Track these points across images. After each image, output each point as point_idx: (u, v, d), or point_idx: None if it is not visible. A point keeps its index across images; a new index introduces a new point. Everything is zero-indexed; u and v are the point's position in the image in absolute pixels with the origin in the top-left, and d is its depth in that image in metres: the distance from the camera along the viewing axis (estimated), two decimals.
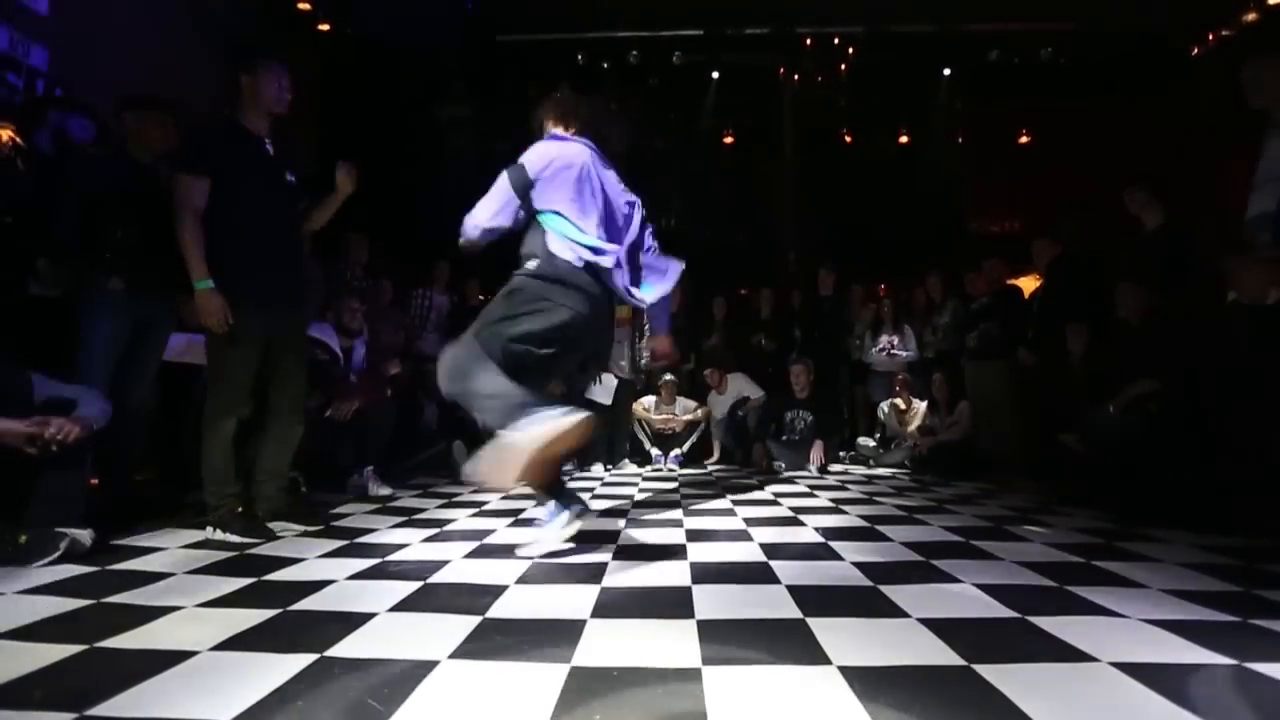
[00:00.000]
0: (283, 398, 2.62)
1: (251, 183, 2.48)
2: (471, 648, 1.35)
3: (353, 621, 1.50)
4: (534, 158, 2.27)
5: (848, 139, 7.95)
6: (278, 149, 2.57)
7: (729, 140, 8.08)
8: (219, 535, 2.38)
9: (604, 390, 5.09)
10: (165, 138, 2.77)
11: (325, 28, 6.19)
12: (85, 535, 2.04)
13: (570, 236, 2.19)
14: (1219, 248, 2.83)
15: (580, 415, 1.97)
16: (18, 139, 2.80)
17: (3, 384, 2.10)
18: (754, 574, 1.94)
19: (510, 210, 2.25)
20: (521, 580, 1.87)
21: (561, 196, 2.23)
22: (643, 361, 5.15)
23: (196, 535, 2.41)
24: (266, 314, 2.49)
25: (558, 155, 2.28)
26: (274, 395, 2.59)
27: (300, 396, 2.72)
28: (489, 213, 2.25)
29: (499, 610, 1.60)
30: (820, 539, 2.42)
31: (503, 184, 2.25)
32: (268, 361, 2.54)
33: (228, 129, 2.50)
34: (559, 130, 2.41)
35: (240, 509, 2.46)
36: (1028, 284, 5.03)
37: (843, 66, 7.28)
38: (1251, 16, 5.91)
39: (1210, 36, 6.30)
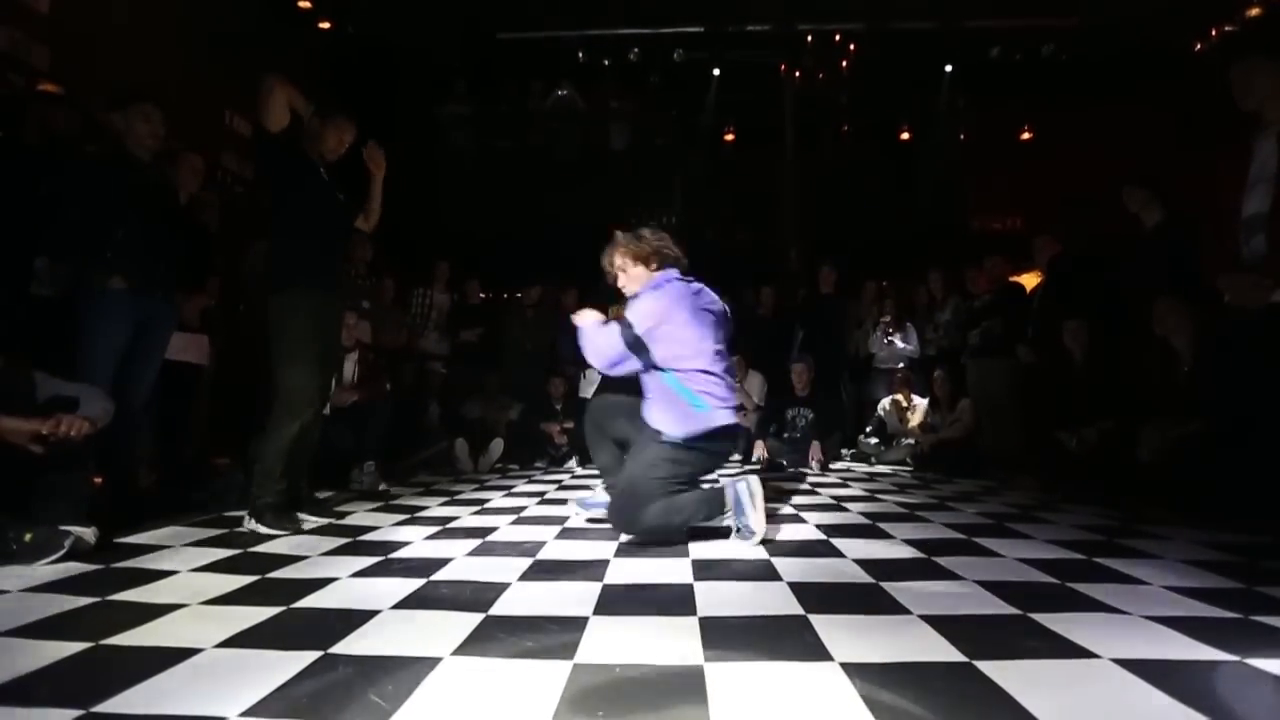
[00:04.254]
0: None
1: (308, 199, 2.64)
2: (475, 645, 1.36)
3: (356, 619, 1.51)
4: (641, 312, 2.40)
5: (849, 136, 7.93)
6: (330, 173, 2.73)
7: (730, 138, 8.07)
8: (253, 525, 2.45)
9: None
10: (153, 132, 2.76)
11: (326, 26, 6.19)
12: (89, 533, 2.05)
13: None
14: (1217, 249, 2.85)
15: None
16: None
17: (7, 383, 2.11)
18: (756, 571, 1.94)
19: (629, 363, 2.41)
20: (524, 577, 1.88)
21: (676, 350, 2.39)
22: None
23: (201, 533, 2.43)
24: (326, 316, 2.66)
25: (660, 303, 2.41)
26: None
27: (326, 399, 2.85)
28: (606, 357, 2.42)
29: (502, 607, 1.61)
30: (822, 536, 2.42)
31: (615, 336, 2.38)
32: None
33: (291, 145, 2.63)
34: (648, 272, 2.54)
35: (276, 502, 2.53)
36: (1029, 281, 5.02)
37: (844, 63, 7.26)
38: (1255, 12, 5.88)
39: (1213, 32, 6.27)
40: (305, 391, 2.58)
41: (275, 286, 2.61)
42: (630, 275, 2.54)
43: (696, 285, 2.52)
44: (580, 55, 7.18)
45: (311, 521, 2.64)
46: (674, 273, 2.52)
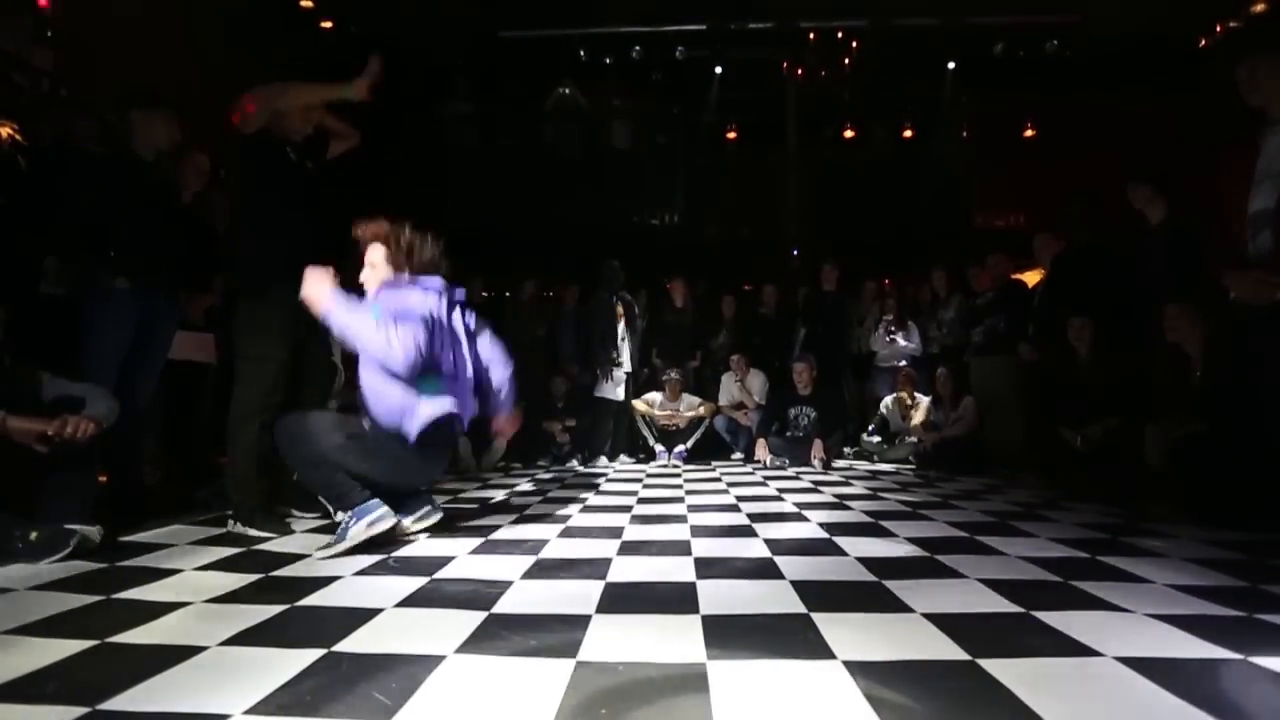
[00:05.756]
0: (309, 396, 2.70)
1: (276, 185, 2.58)
2: (477, 643, 1.36)
3: (359, 617, 1.51)
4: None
5: (851, 134, 7.92)
6: (296, 148, 2.66)
7: (732, 136, 8.06)
8: (239, 529, 2.43)
9: (614, 386, 5.14)
10: (171, 136, 2.77)
11: (328, 25, 6.19)
12: (94, 532, 2.06)
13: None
14: (1222, 246, 2.84)
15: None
16: (19, 136, 2.81)
17: (14, 383, 2.12)
18: (758, 569, 1.94)
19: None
20: (527, 576, 1.88)
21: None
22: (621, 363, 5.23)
23: (205, 532, 2.44)
24: (296, 315, 2.54)
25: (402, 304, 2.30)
26: (301, 393, 2.66)
27: (326, 394, 2.82)
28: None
29: (505, 606, 1.61)
30: (824, 534, 2.42)
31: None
32: (297, 360, 2.62)
33: (262, 143, 2.57)
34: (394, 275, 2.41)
35: (261, 504, 2.52)
36: (1032, 278, 5.01)
37: (846, 61, 7.24)
38: (1260, 7, 5.85)
39: (1218, 28, 6.24)
40: (265, 393, 2.54)
41: (245, 289, 2.57)
42: (376, 271, 2.42)
43: (454, 297, 2.47)
44: (582, 53, 7.18)
45: (311, 519, 2.66)
46: (436, 281, 2.44)
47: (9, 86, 3.43)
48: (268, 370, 2.53)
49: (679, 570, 1.93)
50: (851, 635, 1.38)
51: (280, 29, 5.77)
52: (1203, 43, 6.35)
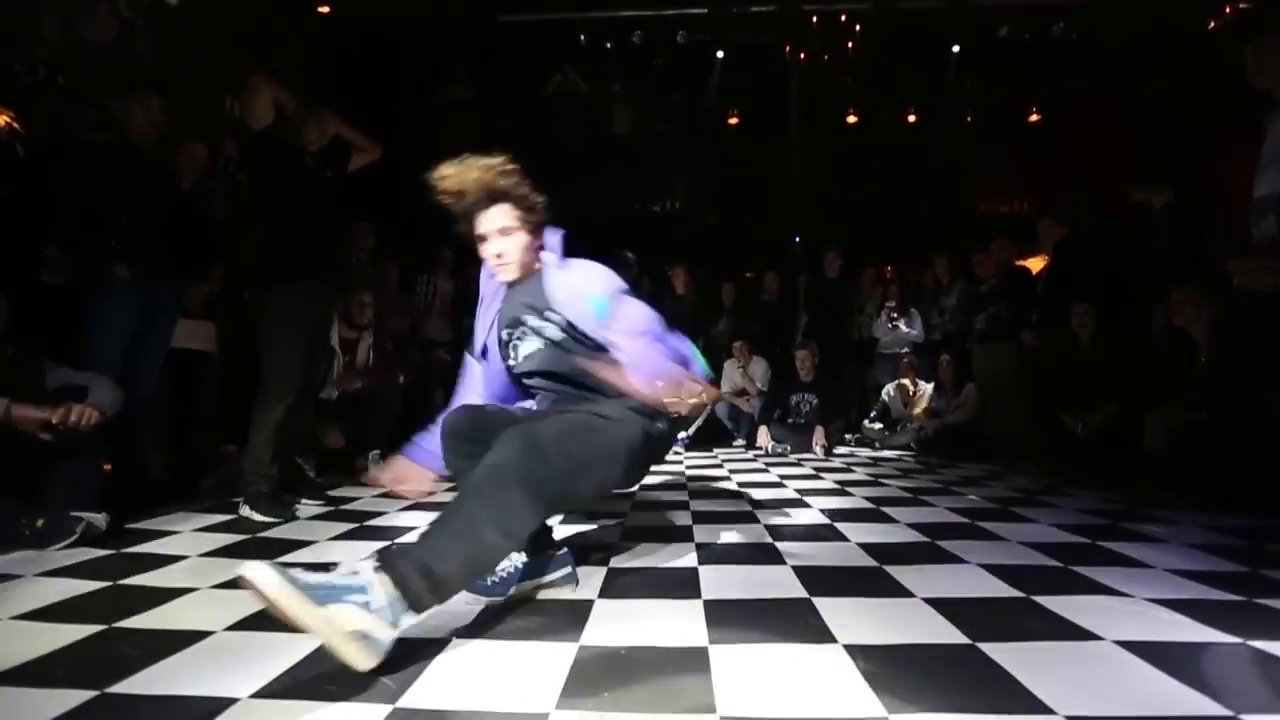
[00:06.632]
0: (313, 380, 2.81)
1: (293, 188, 2.68)
2: (480, 627, 1.37)
3: None
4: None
5: (854, 119, 7.84)
6: (315, 157, 2.75)
7: (734, 121, 7.99)
8: (247, 512, 2.48)
9: None
10: (151, 120, 2.75)
11: (325, 10, 6.13)
12: (100, 519, 2.07)
13: None
14: (1226, 231, 2.82)
15: None
16: (15, 125, 2.80)
17: (19, 371, 2.13)
18: (760, 555, 1.95)
19: None
20: None
21: None
22: None
23: (209, 518, 2.45)
24: (314, 307, 2.71)
25: None
26: (307, 378, 2.78)
27: (317, 380, 2.87)
28: None
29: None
30: (826, 520, 2.43)
31: None
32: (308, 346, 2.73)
33: (274, 142, 2.67)
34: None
35: (269, 490, 2.57)
36: (1036, 265, 4.99)
37: (850, 45, 7.16)
38: None
39: (1226, 10, 6.15)
40: (289, 378, 2.63)
41: (263, 283, 2.67)
42: (518, 241, 1.84)
43: None
44: (582, 38, 7.10)
45: (309, 505, 2.71)
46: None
47: (5, 74, 3.40)
48: (292, 358, 2.63)
49: (681, 556, 1.94)
50: (852, 619, 1.39)
51: (278, 16, 5.71)
52: (1211, 25, 6.26)
